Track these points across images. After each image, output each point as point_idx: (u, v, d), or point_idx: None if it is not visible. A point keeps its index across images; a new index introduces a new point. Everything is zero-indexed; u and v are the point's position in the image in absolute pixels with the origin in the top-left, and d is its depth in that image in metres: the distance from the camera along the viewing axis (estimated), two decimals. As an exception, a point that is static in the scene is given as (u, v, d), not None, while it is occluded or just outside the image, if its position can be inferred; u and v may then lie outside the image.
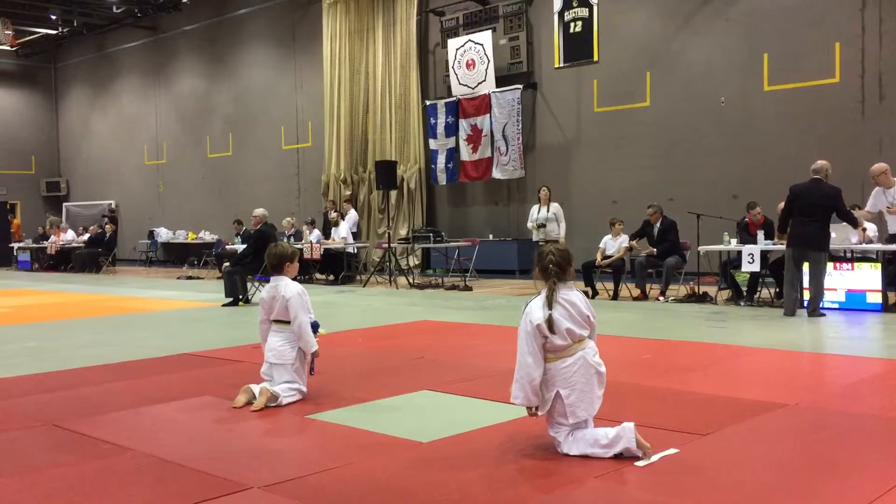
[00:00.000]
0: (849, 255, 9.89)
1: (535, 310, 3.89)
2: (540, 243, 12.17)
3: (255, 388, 5.15)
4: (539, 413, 3.96)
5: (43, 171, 28.42)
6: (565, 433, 3.90)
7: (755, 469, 3.69)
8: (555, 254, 3.96)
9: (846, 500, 3.27)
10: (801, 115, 13.03)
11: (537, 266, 4.02)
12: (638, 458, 3.76)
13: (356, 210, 17.58)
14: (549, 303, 3.88)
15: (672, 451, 3.90)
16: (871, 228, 10.02)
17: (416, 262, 17.30)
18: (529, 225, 13.16)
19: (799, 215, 9.04)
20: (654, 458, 3.78)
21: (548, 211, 12.90)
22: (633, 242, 11.63)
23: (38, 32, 25.38)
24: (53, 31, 25.31)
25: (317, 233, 15.86)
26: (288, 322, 5.25)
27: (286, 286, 5.26)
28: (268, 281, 5.49)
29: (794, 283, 9.20)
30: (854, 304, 9.36)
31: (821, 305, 9.07)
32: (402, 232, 17.40)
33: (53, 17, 23.86)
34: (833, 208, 9.01)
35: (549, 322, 3.85)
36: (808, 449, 4.01)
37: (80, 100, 27.94)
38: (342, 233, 15.55)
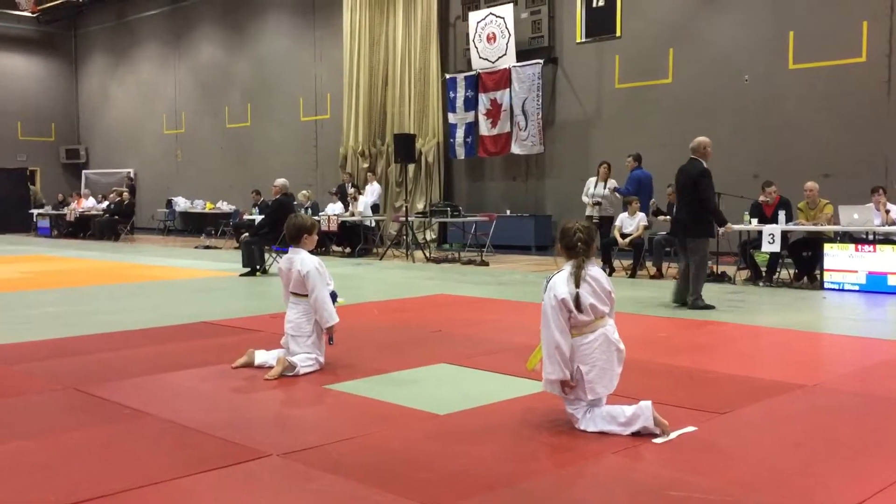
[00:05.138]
0: (871, 237, 9.79)
1: (559, 285, 3.87)
2: (594, 219, 11.94)
3: (258, 354, 5.34)
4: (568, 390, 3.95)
5: (63, 139, 28.53)
6: (583, 410, 3.90)
7: (773, 449, 3.68)
8: (582, 231, 3.95)
9: (863, 483, 3.26)
10: (826, 95, 12.84)
11: (562, 243, 3.99)
12: (656, 436, 3.76)
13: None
14: (578, 280, 3.86)
15: (690, 428, 3.90)
16: None
17: (433, 237, 17.29)
18: (585, 199, 12.75)
19: (677, 200, 8.64)
20: (672, 435, 3.78)
21: (604, 187, 12.56)
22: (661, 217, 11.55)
23: (59, -1, 25.40)
24: (74, -2, 25.32)
25: (340, 205, 15.90)
26: (304, 295, 5.26)
27: (302, 260, 5.26)
28: (286, 252, 5.50)
29: (683, 272, 8.41)
30: (875, 286, 9.28)
31: (699, 300, 8.13)
32: (420, 206, 17.38)
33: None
34: (696, 190, 8.16)
35: (577, 299, 3.84)
36: (825, 430, 3.99)
37: (99, 67, 27.96)
38: (359, 206, 15.55)
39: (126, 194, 21.79)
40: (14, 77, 27.43)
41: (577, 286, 3.85)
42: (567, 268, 3.94)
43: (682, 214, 8.39)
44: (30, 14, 25.81)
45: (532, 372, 4.17)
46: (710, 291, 9.68)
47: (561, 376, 3.87)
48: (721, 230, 8.82)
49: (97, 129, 28.16)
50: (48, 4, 25.71)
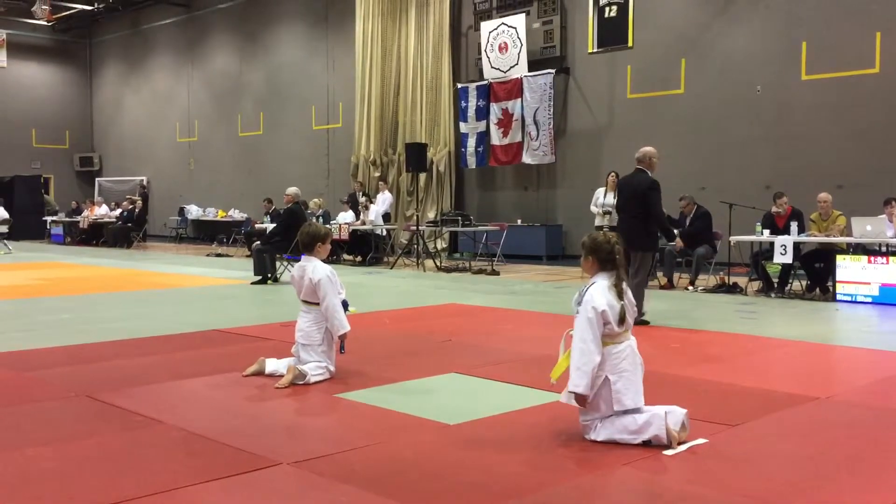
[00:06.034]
0: (884, 248, 9.73)
1: (598, 297, 3.86)
2: (605, 229, 11.94)
3: (268, 362, 5.36)
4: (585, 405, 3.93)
5: (77, 146, 28.74)
6: (597, 421, 3.88)
7: (785, 461, 3.67)
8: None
9: (876, 496, 3.24)
10: (838, 106, 12.80)
11: (597, 256, 3.96)
12: (667, 447, 3.75)
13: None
14: (621, 293, 3.89)
15: (701, 440, 3.88)
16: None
17: (444, 246, 17.30)
18: (594, 209, 12.80)
19: (620, 211, 8.27)
20: (683, 447, 3.77)
21: (614, 197, 12.59)
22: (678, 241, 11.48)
23: (75, 8, 25.62)
24: (89, 7, 25.55)
25: (351, 213, 15.94)
26: (315, 303, 5.28)
27: (314, 268, 5.28)
28: (297, 259, 5.52)
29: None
30: (889, 298, 9.21)
31: (644, 312, 7.63)
32: (431, 215, 17.40)
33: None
34: (644, 203, 7.80)
35: (622, 312, 3.85)
36: (838, 443, 3.97)
37: (114, 76, 28.18)
38: (371, 215, 15.59)
39: (139, 202, 21.93)
40: (29, 85, 27.68)
41: (621, 298, 3.88)
42: (599, 280, 3.95)
43: (625, 226, 7.92)
44: (46, 23, 26.02)
45: (555, 384, 4.06)
46: (721, 302, 9.66)
47: (585, 391, 3.82)
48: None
49: (111, 137, 28.36)
50: (64, 14, 25.94)
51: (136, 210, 21.52)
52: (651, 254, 8.04)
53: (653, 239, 8.02)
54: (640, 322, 7.56)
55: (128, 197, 22.99)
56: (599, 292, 3.88)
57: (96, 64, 28.92)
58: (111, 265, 15.30)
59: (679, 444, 3.77)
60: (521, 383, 5.17)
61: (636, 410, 3.86)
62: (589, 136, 15.87)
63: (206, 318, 8.06)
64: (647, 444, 3.77)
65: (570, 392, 3.87)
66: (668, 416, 3.80)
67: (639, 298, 7.67)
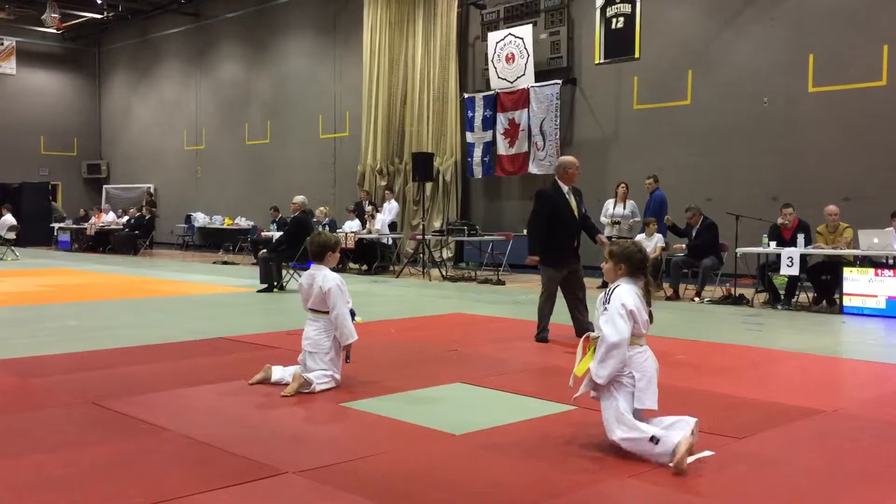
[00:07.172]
0: (891, 261, 9.71)
1: (627, 296, 3.95)
2: (613, 238, 11.98)
3: (274, 370, 5.37)
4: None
5: (85, 154, 28.85)
6: (614, 410, 3.89)
7: (791, 475, 3.65)
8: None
9: (885, 510, 3.23)
10: (845, 118, 12.79)
11: (628, 263, 4.04)
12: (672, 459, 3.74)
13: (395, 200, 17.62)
14: (650, 299, 4.01)
15: (707, 453, 3.87)
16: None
17: (450, 255, 17.30)
18: (603, 219, 12.82)
19: None
20: (689, 459, 3.75)
21: (624, 208, 12.67)
22: (679, 245, 11.56)
23: (84, 16, 25.77)
24: (99, 16, 25.69)
25: (357, 222, 15.97)
26: (324, 312, 5.29)
27: (324, 277, 5.30)
28: (303, 268, 5.53)
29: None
30: (895, 311, 9.19)
31: (543, 329, 7.36)
32: (437, 224, 17.41)
33: (99, 2, 24.19)
34: None
35: (650, 317, 4.00)
36: (844, 457, 3.96)
37: (122, 84, 28.31)
38: (377, 223, 15.61)
39: (145, 209, 22.02)
40: (38, 92, 27.83)
41: (650, 305, 4.01)
42: (625, 283, 4.02)
43: None
44: (55, 31, 26.19)
45: (577, 378, 4.05)
46: (727, 314, 9.63)
47: (605, 382, 3.91)
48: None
49: (119, 144, 28.47)
50: (73, 22, 26.09)
51: (145, 217, 21.62)
52: (545, 268, 7.39)
53: (550, 252, 7.36)
54: (541, 339, 7.32)
55: (149, 206, 22.97)
56: (628, 293, 3.97)
57: (105, 72, 29.07)
58: (118, 272, 15.34)
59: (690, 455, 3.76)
60: (526, 393, 5.17)
61: (653, 413, 3.91)
62: (595, 146, 15.87)
63: (212, 326, 8.07)
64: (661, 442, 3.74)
65: (592, 381, 3.93)
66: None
67: (538, 313, 7.34)
